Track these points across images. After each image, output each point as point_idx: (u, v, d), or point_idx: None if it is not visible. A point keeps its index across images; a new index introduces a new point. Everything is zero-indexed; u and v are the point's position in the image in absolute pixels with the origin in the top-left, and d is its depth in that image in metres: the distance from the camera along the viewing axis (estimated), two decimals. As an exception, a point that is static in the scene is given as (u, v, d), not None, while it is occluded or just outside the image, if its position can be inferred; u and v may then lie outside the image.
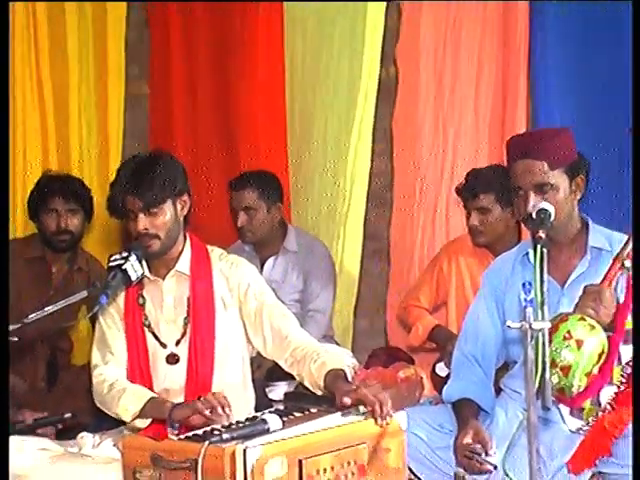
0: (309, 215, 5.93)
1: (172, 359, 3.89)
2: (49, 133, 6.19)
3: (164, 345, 3.91)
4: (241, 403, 3.94)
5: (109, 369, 3.89)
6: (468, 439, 3.78)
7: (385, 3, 5.75)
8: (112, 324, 3.94)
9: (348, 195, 5.79)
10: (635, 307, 3.54)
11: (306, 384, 3.78)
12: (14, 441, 3.71)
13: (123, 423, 3.89)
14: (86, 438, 3.90)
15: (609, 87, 5.39)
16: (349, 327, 5.82)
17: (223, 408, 3.52)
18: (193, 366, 3.88)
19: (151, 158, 3.88)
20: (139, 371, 3.89)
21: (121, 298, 3.92)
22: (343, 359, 3.80)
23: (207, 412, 3.52)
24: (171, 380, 3.90)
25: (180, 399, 3.83)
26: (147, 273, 3.87)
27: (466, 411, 3.93)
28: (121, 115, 6.26)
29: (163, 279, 3.92)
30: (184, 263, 3.91)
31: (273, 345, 3.88)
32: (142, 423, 3.75)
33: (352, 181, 5.79)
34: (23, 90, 6.10)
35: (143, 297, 3.93)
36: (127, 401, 3.76)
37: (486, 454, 3.76)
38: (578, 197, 3.86)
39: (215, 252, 3.99)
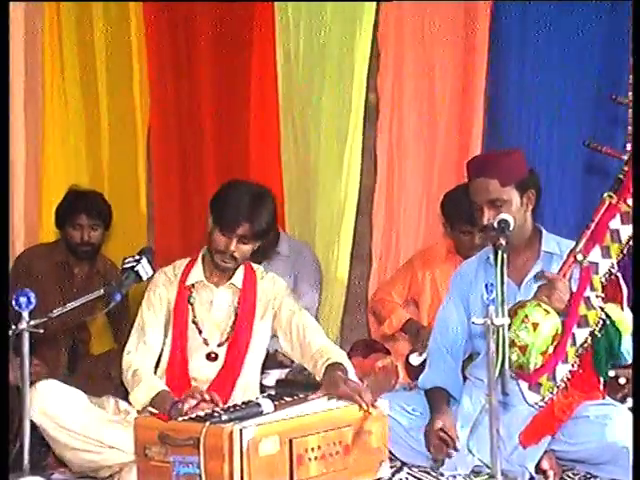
0: (309, 225, 5.92)
1: (212, 357, 3.98)
2: (77, 142, 6.18)
3: (206, 343, 4.00)
4: (250, 396, 3.99)
5: (137, 357, 3.95)
6: (439, 424, 3.87)
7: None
8: (153, 316, 4.01)
9: (342, 207, 5.77)
10: (635, 306, 3.64)
11: (318, 379, 3.86)
12: (52, 384, 3.81)
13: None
14: (120, 403, 3.98)
15: (567, 96, 5.40)
16: (339, 323, 5.83)
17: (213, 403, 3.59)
18: (227, 366, 3.97)
19: (263, 193, 3.97)
20: (178, 360, 3.97)
21: (172, 293, 4.01)
22: (344, 356, 3.88)
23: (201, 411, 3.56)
24: (203, 373, 3.98)
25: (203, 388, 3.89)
26: (203, 279, 4.00)
27: (438, 398, 4.03)
28: (145, 125, 6.17)
29: (217, 287, 4.03)
30: (238, 278, 4.03)
31: (300, 350, 3.98)
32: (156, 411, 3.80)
33: (345, 195, 5.75)
34: (52, 100, 6.07)
35: (194, 297, 4.02)
36: (138, 394, 3.81)
37: (454, 446, 3.84)
38: (530, 208, 3.94)
39: (258, 271, 4.11)
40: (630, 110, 3.91)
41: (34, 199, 5.96)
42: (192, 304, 4.01)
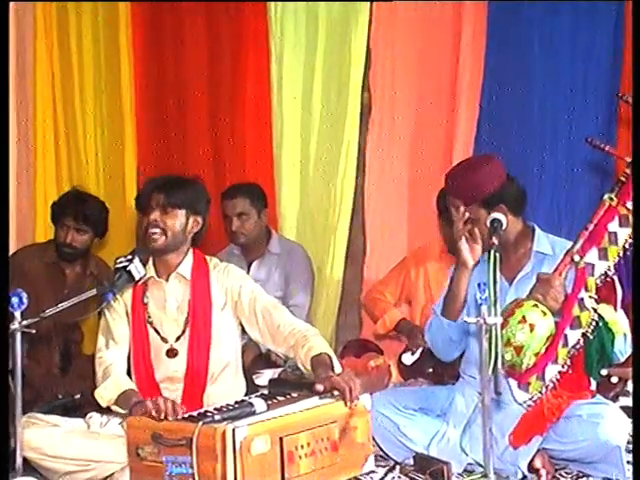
0: (304, 226, 5.90)
1: (171, 353, 3.94)
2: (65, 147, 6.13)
3: (165, 340, 3.95)
4: (233, 388, 4.00)
5: (108, 353, 3.94)
6: None
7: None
8: (116, 316, 3.99)
9: (338, 208, 5.77)
10: (635, 308, 3.59)
11: (300, 367, 3.85)
12: (30, 417, 3.79)
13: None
14: (94, 418, 3.95)
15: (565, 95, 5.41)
16: (334, 323, 5.82)
17: (167, 414, 3.49)
18: (191, 359, 3.93)
19: (187, 177, 4.02)
20: (142, 361, 3.95)
21: (127, 296, 3.97)
22: (325, 342, 3.84)
23: (154, 413, 3.50)
24: (173, 370, 3.95)
25: (181, 386, 3.90)
26: (153, 274, 3.95)
27: None
28: (133, 129, 6.13)
29: (166, 280, 3.97)
30: (186, 268, 3.97)
31: (270, 337, 3.93)
32: (121, 410, 3.78)
33: (342, 196, 5.76)
34: (42, 100, 6.04)
35: (147, 297, 3.98)
36: (103, 390, 3.82)
37: None
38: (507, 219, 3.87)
39: (212, 262, 4.06)
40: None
41: (26, 199, 5.93)
42: (146, 304, 3.97)
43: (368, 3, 5.67)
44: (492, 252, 3.52)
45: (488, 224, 3.77)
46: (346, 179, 5.74)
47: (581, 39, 5.34)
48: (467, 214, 3.83)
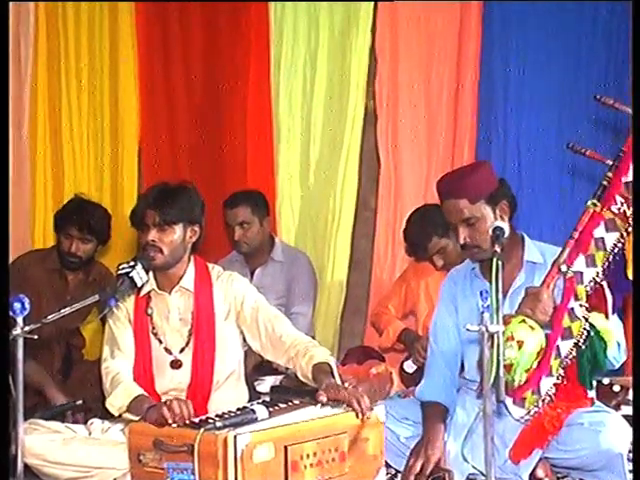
0: (305, 231, 5.90)
1: (176, 364, 3.94)
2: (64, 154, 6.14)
3: (169, 351, 3.94)
4: (236, 396, 4.00)
5: (114, 363, 3.92)
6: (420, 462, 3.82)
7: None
8: (120, 325, 3.98)
9: (338, 214, 5.77)
10: (635, 314, 3.55)
11: (300, 377, 3.83)
12: (31, 423, 3.78)
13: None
14: (96, 424, 3.94)
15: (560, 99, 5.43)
16: (336, 329, 5.81)
17: (183, 417, 3.49)
18: (195, 371, 3.92)
19: (178, 187, 3.96)
20: (143, 372, 3.93)
21: (130, 305, 3.97)
22: (327, 352, 3.82)
23: (169, 419, 3.48)
24: (177, 381, 3.94)
25: (184, 396, 3.87)
26: (155, 287, 3.94)
27: (434, 414, 3.95)
28: (134, 133, 6.16)
29: (169, 293, 3.96)
30: (188, 280, 3.96)
31: (271, 348, 3.92)
32: (134, 417, 3.74)
33: (342, 202, 5.76)
34: (42, 109, 6.07)
35: (151, 308, 3.97)
36: (114, 398, 3.79)
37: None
38: (506, 219, 3.88)
39: (214, 271, 4.04)
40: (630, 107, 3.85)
41: (23, 204, 5.94)
42: (150, 315, 3.96)
43: (372, 5, 5.66)
44: (495, 260, 3.50)
45: (490, 231, 3.76)
46: (346, 185, 5.73)
47: (583, 45, 5.36)
48: (470, 213, 3.82)
